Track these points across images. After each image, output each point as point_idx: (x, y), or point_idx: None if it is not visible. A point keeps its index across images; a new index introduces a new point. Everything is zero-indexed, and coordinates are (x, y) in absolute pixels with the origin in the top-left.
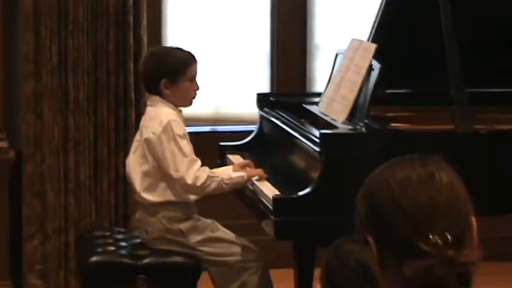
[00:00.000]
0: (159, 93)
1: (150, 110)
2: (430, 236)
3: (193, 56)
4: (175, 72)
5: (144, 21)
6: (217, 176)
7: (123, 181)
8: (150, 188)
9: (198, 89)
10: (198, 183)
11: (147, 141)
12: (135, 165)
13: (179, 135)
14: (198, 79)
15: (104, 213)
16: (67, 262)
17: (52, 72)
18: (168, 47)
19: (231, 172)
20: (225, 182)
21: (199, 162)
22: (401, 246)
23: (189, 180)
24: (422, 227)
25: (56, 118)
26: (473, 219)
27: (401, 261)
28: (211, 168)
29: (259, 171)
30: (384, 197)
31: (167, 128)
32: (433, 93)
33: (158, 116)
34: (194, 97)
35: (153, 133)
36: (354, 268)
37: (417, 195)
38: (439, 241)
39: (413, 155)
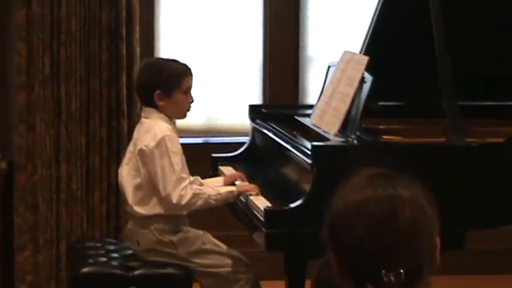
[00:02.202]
0: (154, 105)
1: (144, 122)
2: (383, 272)
3: (188, 69)
4: (170, 84)
5: (137, 33)
6: (204, 193)
7: (115, 192)
8: (141, 202)
9: (192, 101)
10: (183, 202)
11: (141, 153)
12: (128, 177)
13: (173, 152)
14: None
15: (96, 224)
16: (58, 273)
17: (44, 83)
18: (163, 59)
19: (220, 187)
20: (213, 198)
21: (187, 181)
22: (357, 274)
23: (174, 199)
24: (377, 262)
25: (48, 129)
26: (438, 240)
27: (358, 284)
28: (203, 178)
29: (252, 186)
30: (346, 231)
31: (161, 143)
32: (425, 106)
33: (152, 129)
34: (189, 109)
35: (147, 146)
36: None
37: (377, 233)
38: (391, 278)
39: (380, 172)
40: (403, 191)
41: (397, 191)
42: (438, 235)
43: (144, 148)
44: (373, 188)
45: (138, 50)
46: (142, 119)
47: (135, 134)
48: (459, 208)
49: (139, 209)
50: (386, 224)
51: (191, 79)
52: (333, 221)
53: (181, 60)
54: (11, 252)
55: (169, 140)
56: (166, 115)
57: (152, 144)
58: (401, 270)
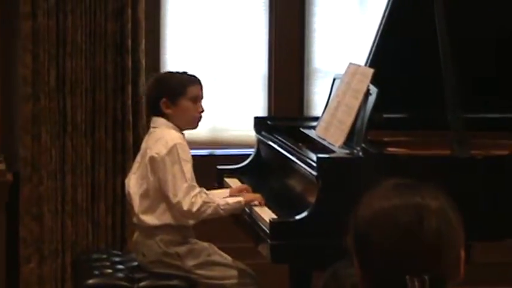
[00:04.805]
0: (162, 114)
1: (153, 132)
2: (407, 278)
3: (195, 78)
4: (175, 92)
5: (143, 45)
6: (213, 202)
7: (120, 203)
8: (148, 210)
9: (202, 111)
10: (194, 209)
11: (151, 161)
12: (135, 186)
13: (184, 160)
14: None
15: (101, 235)
16: (63, 285)
17: (50, 95)
18: (171, 71)
19: (228, 198)
20: (221, 207)
21: (197, 189)
22: (381, 280)
23: (185, 206)
24: (402, 268)
25: (54, 140)
26: (462, 253)
27: None
28: (208, 190)
29: (258, 196)
30: (372, 238)
31: (173, 151)
32: (430, 118)
33: (163, 137)
34: (199, 119)
35: (158, 154)
36: None
37: (403, 240)
38: (416, 284)
39: (407, 182)
40: (430, 202)
41: (425, 200)
42: (463, 248)
43: (155, 155)
44: (401, 197)
45: (143, 62)
46: (151, 129)
47: (144, 145)
48: (464, 221)
49: (145, 218)
50: (412, 233)
51: (199, 88)
52: (359, 228)
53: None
54: (16, 263)
55: (181, 148)
56: (175, 125)
57: (164, 151)
58: (426, 277)
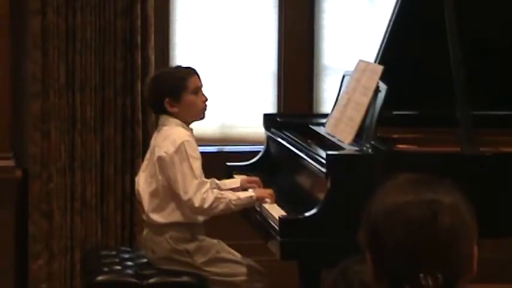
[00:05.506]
0: (168, 113)
1: (162, 130)
2: (421, 276)
3: (192, 69)
4: (176, 89)
5: (152, 41)
6: (225, 198)
7: (129, 200)
8: (157, 209)
9: (206, 99)
10: (205, 206)
11: (160, 160)
12: (144, 184)
13: (192, 157)
14: None
15: (110, 232)
16: (73, 281)
17: (59, 92)
18: (166, 68)
19: (239, 193)
20: (233, 202)
21: (207, 185)
22: (394, 277)
23: (197, 203)
24: (415, 264)
25: (63, 137)
26: (476, 249)
27: (394, 285)
28: (219, 180)
29: (269, 191)
30: (385, 234)
31: (181, 149)
32: (439, 115)
33: (171, 135)
34: (205, 108)
35: (166, 152)
36: None
37: (416, 236)
38: (429, 282)
39: (421, 177)
40: (444, 197)
41: (439, 196)
42: (476, 244)
43: (164, 155)
44: (414, 193)
45: (153, 58)
46: (160, 127)
47: (153, 142)
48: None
49: (155, 217)
50: (426, 228)
51: (197, 78)
52: (372, 223)
53: (196, 69)
54: (25, 260)
55: (189, 145)
56: (183, 121)
57: (172, 150)
58: (439, 275)
